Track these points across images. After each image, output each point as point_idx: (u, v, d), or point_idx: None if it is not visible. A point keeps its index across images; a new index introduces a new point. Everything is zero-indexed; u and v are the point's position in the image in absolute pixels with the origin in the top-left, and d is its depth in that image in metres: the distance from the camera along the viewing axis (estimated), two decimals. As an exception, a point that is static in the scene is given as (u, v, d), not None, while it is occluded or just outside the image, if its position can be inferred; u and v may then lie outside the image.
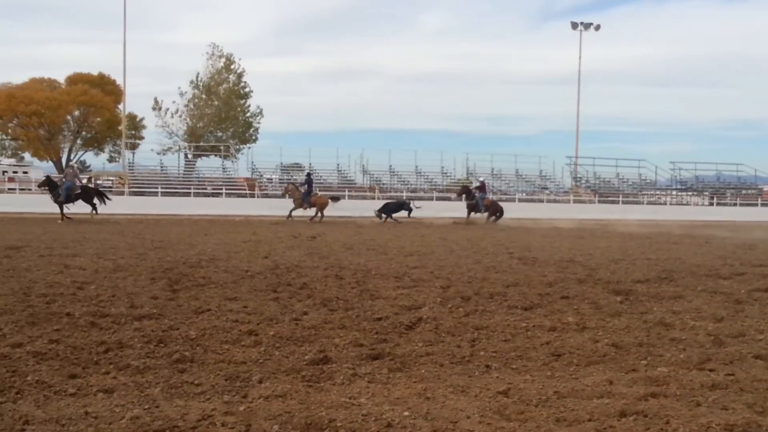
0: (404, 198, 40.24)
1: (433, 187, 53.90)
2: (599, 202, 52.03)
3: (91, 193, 30.49)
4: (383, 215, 34.31)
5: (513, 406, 5.18)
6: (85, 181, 35.17)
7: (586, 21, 61.23)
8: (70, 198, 29.53)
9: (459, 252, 17.09)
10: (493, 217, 34.01)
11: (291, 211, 33.11)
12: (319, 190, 40.77)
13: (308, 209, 33.37)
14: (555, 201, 52.70)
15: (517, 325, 8.11)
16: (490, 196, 38.01)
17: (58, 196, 29.09)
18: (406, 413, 4.94)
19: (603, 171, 59.89)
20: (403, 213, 34.80)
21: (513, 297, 10.02)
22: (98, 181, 53.86)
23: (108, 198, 31.26)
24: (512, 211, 35.33)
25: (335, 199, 36.33)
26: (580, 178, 59.35)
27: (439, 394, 5.47)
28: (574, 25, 61.11)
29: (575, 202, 51.78)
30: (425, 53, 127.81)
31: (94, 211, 29.89)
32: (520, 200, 49.08)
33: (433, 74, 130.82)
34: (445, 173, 56.36)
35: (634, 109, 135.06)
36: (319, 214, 33.39)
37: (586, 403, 5.24)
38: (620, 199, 53.22)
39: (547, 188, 57.83)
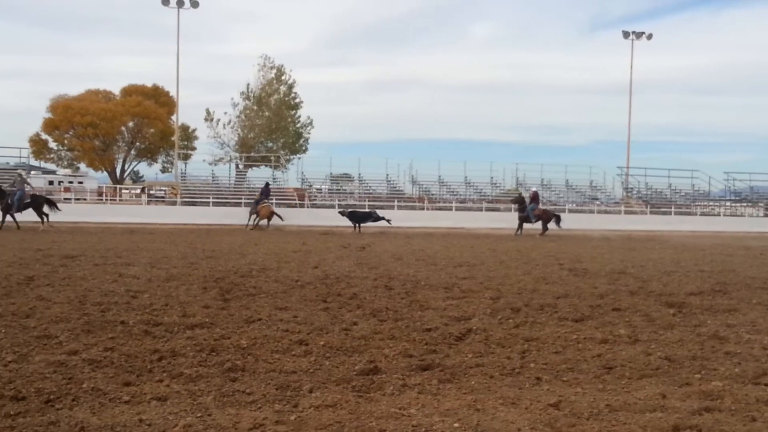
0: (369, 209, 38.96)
1: (483, 197, 53.51)
2: (651, 213, 51.12)
3: (41, 202, 29.38)
4: (354, 223, 33.86)
5: (564, 419, 5.13)
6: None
7: (637, 30, 60.46)
8: (20, 207, 28.53)
9: (509, 263, 17.00)
10: (546, 229, 33.56)
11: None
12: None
13: (255, 218, 34.57)
14: (606, 212, 51.85)
15: (568, 337, 8.04)
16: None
17: (10, 207, 28.13)
18: (456, 425, 4.94)
19: (655, 181, 58.80)
20: (373, 223, 34.56)
21: (563, 309, 9.94)
22: (151, 191, 54.80)
23: (57, 207, 29.98)
24: (562, 221, 34.92)
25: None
26: (632, 188, 58.43)
27: (489, 406, 5.44)
28: (626, 34, 60.26)
29: (626, 212, 50.86)
30: (475, 63, 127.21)
31: (43, 221, 28.61)
32: (570, 211, 48.43)
33: (482, 84, 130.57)
34: (495, 184, 55.82)
35: (686, 119, 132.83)
36: (264, 222, 34.37)
37: (639, 417, 5.17)
38: (672, 210, 52.23)
39: (597, 199, 56.98)
